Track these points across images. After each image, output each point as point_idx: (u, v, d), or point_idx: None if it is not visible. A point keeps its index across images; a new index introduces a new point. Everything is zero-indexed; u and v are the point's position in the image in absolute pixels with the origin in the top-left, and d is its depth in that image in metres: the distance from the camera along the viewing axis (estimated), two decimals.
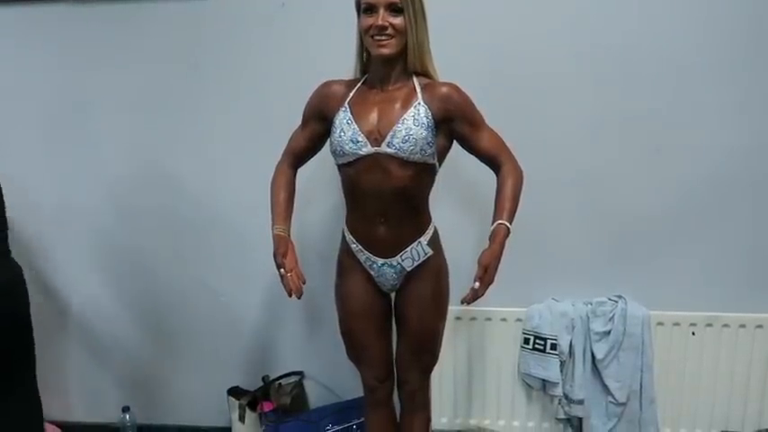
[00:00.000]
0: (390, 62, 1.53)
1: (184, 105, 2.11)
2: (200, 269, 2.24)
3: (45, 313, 2.32)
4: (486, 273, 1.49)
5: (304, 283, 1.60)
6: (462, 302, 1.52)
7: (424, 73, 1.57)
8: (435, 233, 1.66)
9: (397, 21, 1.47)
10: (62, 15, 2.07)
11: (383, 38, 1.48)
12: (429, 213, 1.66)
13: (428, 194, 1.64)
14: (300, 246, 2.16)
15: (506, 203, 1.55)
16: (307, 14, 1.99)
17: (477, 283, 1.49)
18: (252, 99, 2.08)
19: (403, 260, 1.62)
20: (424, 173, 1.57)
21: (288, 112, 2.03)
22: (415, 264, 1.62)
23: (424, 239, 1.62)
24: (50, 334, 2.35)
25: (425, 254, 1.61)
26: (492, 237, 1.53)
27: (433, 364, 1.77)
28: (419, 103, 1.51)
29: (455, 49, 1.91)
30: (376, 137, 1.52)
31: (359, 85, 1.61)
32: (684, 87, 1.93)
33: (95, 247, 2.26)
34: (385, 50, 1.49)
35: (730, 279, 2.04)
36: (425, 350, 1.73)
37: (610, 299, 2.06)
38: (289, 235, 1.64)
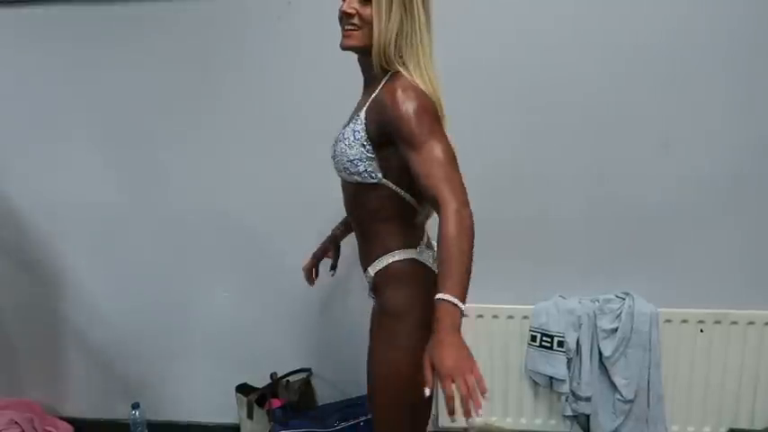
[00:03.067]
0: (364, 58, 1.35)
1: (193, 104, 2.12)
2: (209, 267, 2.26)
3: (54, 311, 2.36)
4: (448, 380, 1.03)
5: (316, 276, 1.74)
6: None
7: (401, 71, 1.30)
8: (398, 272, 1.34)
9: (366, 10, 1.28)
10: (71, 16, 2.09)
11: (350, 27, 1.30)
12: (388, 243, 1.35)
13: (389, 219, 1.35)
14: (314, 244, 2.18)
15: (444, 266, 1.12)
16: (313, 12, 1.99)
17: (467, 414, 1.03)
18: (261, 98, 2.09)
19: (367, 283, 1.44)
20: (363, 195, 1.35)
21: (297, 110, 2.04)
22: (370, 293, 1.43)
23: (372, 269, 1.37)
24: (60, 332, 2.37)
25: (369, 286, 1.41)
26: (434, 320, 1.10)
27: None
28: (358, 115, 1.32)
29: (461, 46, 1.91)
30: None
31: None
32: (692, 83, 1.92)
33: (103, 245, 2.28)
34: (348, 42, 1.32)
35: (738, 276, 2.03)
36: (376, 409, 1.40)
37: (617, 296, 2.06)
38: (338, 233, 1.73)
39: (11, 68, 2.17)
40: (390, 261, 1.35)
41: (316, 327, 2.26)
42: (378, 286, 1.37)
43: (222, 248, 2.23)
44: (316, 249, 1.76)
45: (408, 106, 1.21)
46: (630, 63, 1.93)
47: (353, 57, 1.58)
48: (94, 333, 2.36)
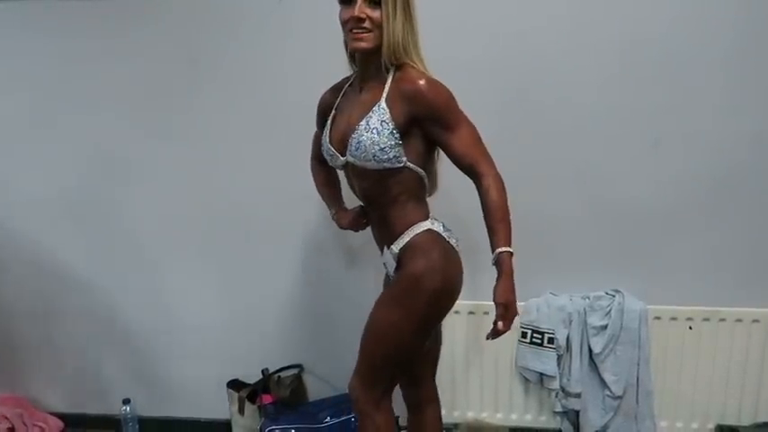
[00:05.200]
0: (369, 57, 1.46)
1: (182, 100, 2.11)
2: (201, 263, 2.25)
3: (46, 306, 2.35)
4: (508, 309, 1.42)
5: (365, 222, 1.71)
6: (486, 339, 1.46)
7: (408, 63, 1.45)
8: (421, 242, 1.51)
9: (376, 14, 1.39)
10: (59, 10, 2.07)
11: (360, 31, 1.40)
12: (409, 219, 1.53)
13: (409, 199, 1.52)
14: (306, 241, 2.18)
15: (499, 226, 1.42)
16: (304, 9, 1.98)
17: (501, 323, 1.42)
18: (250, 94, 2.08)
19: (384, 262, 1.61)
20: (389, 180, 1.49)
21: (286, 107, 2.04)
22: (391, 268, 1.57)
23: (396, 246, 1.53)
24: (50, 327, 2.37)
25: (393, 261, 1.55)
26: (498, 268, 1.43)
27: (367, 373, 1.55)
28: (379, 106, 1.43)
29: (455, 43, 1.91)
30: (346, 144, 1.49)
31: (346, 86, 1.60)
32: (683, 82, 1.93)
33: (96, 241, 2.27)
34: (362, 44, 1.42)
35: (727, 274, 2.04)
36: (362, 349, 1.56)
37: (607, 293, 2.07)
38: (340, 206, 1.78)
39: None
40: (413, 235, 1.51)
41: (307, 323, 2.27)
42: (401, 260, 1.53)
43: (214, 244, 2.22)
44: (346, 229, 1.76)
45: (440, 94, 1.42)
46: (621, 62, 1.93)
47: (343, 52, 1.58)
48: (85, 328, 2.35)
